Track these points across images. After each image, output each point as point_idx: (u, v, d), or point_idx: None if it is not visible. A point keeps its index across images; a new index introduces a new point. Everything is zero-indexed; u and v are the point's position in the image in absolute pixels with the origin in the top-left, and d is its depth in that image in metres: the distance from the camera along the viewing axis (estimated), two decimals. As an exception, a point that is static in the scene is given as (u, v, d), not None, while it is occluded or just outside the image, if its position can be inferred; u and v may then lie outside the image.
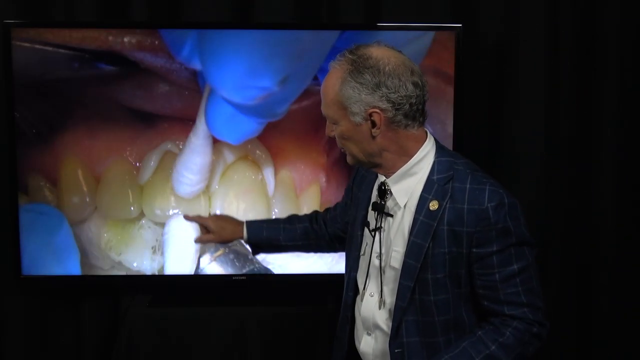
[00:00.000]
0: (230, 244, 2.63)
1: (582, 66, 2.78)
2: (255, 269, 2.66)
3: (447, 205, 1.64)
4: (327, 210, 2.16)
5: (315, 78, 2.58)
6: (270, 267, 2.66)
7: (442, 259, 1.64)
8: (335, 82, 1.64)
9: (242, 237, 2.13)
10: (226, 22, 2.69)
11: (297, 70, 2.55)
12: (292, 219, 2.18)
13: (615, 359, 2.88)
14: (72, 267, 2.64)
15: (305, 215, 2.19)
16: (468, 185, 1.64)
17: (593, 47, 2.77)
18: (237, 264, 2.66)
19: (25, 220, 2.60)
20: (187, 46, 2.53)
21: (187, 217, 2.24)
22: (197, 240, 2.19)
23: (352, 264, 1.82)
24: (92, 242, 2.64)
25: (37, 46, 2.52)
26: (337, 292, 2.69)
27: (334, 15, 2.73)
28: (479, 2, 2.74)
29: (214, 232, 2.14)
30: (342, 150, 1.73)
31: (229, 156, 2.64)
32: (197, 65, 2.55)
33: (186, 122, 2.61)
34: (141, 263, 2.66)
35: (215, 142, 2.62)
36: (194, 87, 2.58)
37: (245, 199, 2.65)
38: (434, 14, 2.71)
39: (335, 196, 2.67)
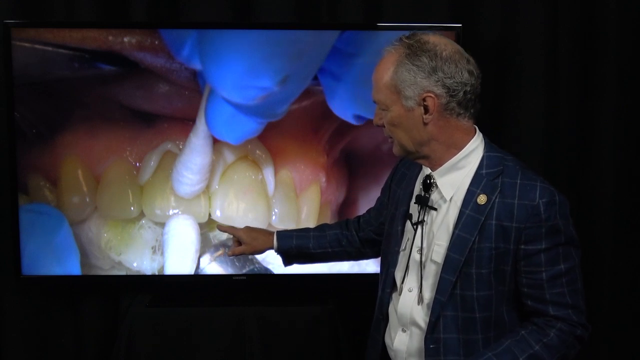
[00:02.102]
0: (230, 245, 2.63)
1: (582, 65, 2.78)
2: (255, 269, 2.66)
3: (497, 200, 1.62)
4: (358, 217, 2.14)
5: (315, 78, 2.58)
6: (270, 267, 2.67)
7: (488, 254, 1.62)
8: (390, 66, 1.63)
9: (272, 247, 2.10)
10: (226, 22, 2.69)
11: (297, 70, 2.55)
12: (322, 226, 2.16)
13: (615, 358, 2.88)
14: (72, 267, 2.64)
15: (336, 223, 2.17)
16: (519, 181, 1.62)
17: (593, 47, 2.77)
18: (237, 264, 2.67)
19: (25, 220, 2.60)
20: (187, 46, 2.53)
21: (220, 228, 2.19)
22: (230, 254, 2.15)
23: (390, 260, 1.79)
24: (92, 242, 2.65)
25: (37, 46, 2.52)
26: (337, 292, 2.71)
27: (334, 15, 2.73)
28: (479, 2, 2.75)
29: (247, 243, 2.10)
30: (389, 140, 1.71)
31: (229, 156, 2.64)
32: (197, 65, 2.55)
33: (186, 122, 2.61)
34: (141, 263, 2.66)
35: (215, 142, 2.62)
36: (194, 87, 2.58)
37: (245, 199, 2.65)
38: (434, 14, 2.71)
39: (335, 196, 2.67)
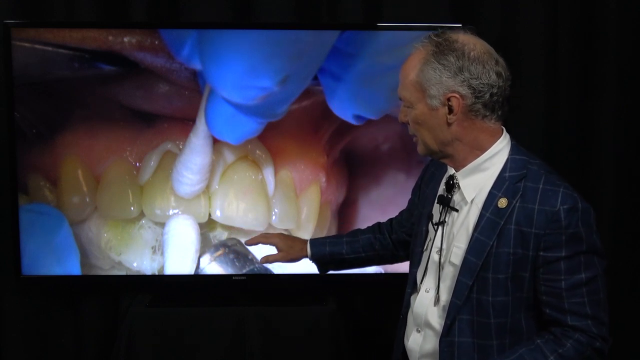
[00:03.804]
0: (230, 245, 2.64)
1: (582, 65, 2.78)
2: (255, 269, 2.66)
3: (517, 204, 1.58)
4: (390, 219, 2.11)
5: (315, 78, 2.58)
6: (270, 267, 2.66)
7: (506, 259, 1.59)
8: (416, 63, 1.61)
9: (307, 255, 2.07)
10: (226, 22, 2.69)
11: (297, 70, 2.55)
12: (355, 232, 2.14)
13: (615, 358, 2.88)
14: (72, 267, 2.64)
15: (368, 227, 2.14)
16: (541, 186, 1.59)
17: (593, 47, 2.77)
18: (237, 264, 2.67)
19: (25, 220, 2.60)
20: (187, 46, 2.53)
21: (250, 242, 2.12)
22: (263, 261, 2.11)
23: (414, 260, 1.78)
24: (92, 242, 2.64)
25: (37, 46, 2.52)
26: (337, 292, 2.71)
27: (334, 15, 2.73)
28: (479, 2, 2.75)
29: (283, 250, 2.07)
30: (414, 139, 1.69)
31: (229, 156, 2.64)
32: (197, 65, 2.55)
33: (186, 122, 2.61)
34: (141, 263, 2.66)
35: (215, 142, 2.62)
36: (194, 87, 2.58)
37: (245, 199, 2.65)
38: (434, 14, 2.71)
39: (335, 196, 2.67)
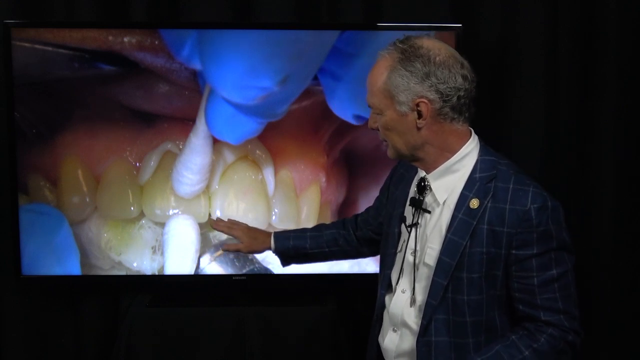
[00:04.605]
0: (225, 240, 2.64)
1: (582, 65, 2.78)
2: (255, 269, 2.66)
3: (489, 205, 1.62)
4: (355, 215, 2.14)
5: (315, 78, 2.58)
6: (270, 267, 2.67)
7: (479, 259, 1.62)
8: (383, 71, 1.63)
9: (270, 248, 2.10)
10: (226, 22, 2.69)
11: (297, 70, 2.55)
12: (320, 226, 2.17)
13: (615, 359, 2.88)
14: (72, 267, 2.64)
15: (333, 222, 2.18)
16: (511, 186, 1.62)
17: (593, 47, 2.77)
18: (237, 264, 2.67)
19: (25, 220, 2.60)
20: (187, 46, 2.53)
21: (216, 227, 2.14)
22: (225, 248, 2.16)
23: (387, 261, 1.80)
24: (92, 242, 2.65)
25: (37, 46, 2.52)
26: (337, 292, 2.71)
27: (334, 15, 2.73)
28: (479, 2, 2.75)
29: (245, 242, 2.10)
30: (384, 143, 1.71)
31: (229, 156, 2.64)
32: (197, 65, 2.55)
33: (186, 122, 2.61)
34: (141, 263, 2.66)
35: (215, 142, 2.62)
36: (194, 87, 2.58)
37: (245, 199, 2.65)
38: (434, 14, 2.71)
39: (335, 196, 2.67)
